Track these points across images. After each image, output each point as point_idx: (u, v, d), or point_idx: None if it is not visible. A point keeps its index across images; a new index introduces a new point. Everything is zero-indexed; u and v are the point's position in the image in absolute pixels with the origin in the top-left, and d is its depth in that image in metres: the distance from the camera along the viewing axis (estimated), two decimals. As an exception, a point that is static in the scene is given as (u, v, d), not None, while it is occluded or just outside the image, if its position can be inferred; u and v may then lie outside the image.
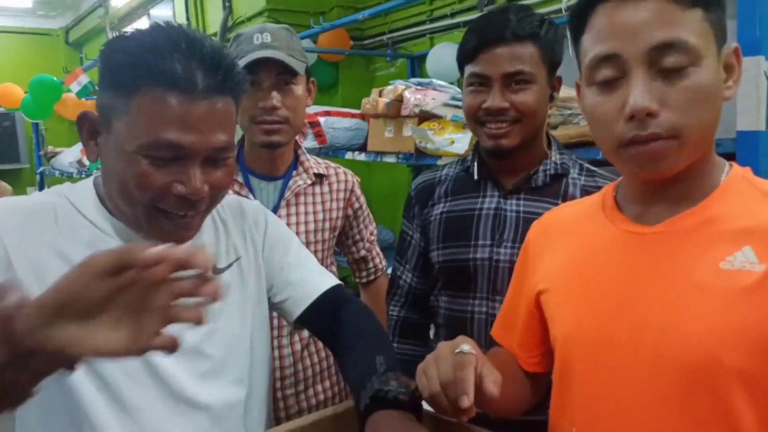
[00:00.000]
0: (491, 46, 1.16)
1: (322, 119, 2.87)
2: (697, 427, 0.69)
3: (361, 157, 2.80)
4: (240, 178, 1.40)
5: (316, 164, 1.49)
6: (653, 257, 0.74)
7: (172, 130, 0.76)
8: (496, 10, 1.24)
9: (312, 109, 2.97)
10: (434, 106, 2.26)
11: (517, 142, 1.18)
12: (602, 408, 0.76)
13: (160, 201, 0.79)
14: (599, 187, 1.18)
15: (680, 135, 0.69)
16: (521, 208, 1.22)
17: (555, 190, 1.22)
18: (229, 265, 0.92)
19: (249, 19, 4.13)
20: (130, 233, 0.84)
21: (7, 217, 0.79)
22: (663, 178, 0.74)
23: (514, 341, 0.95)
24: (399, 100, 2.45)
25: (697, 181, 0.75)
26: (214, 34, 4.46)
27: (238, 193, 1.35)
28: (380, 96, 2.56)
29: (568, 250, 0.86)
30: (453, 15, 3.43)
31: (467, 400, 0.69)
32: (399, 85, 2.50)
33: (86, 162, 4.60)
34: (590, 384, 0.78)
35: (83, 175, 5.03)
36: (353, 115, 2.96)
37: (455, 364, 0.73)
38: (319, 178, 1.46)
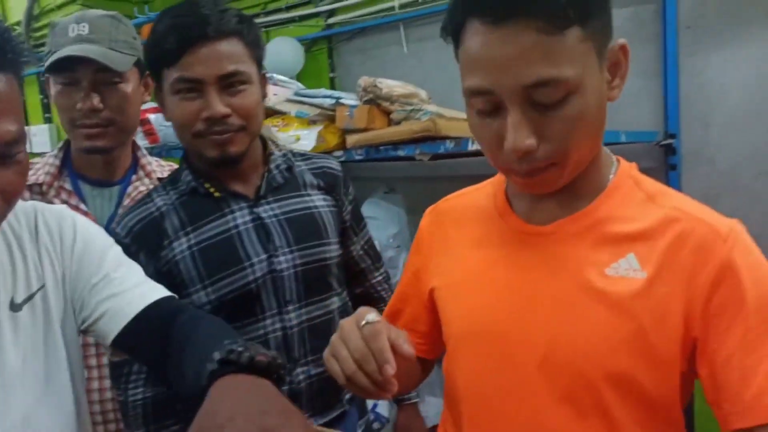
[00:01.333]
0: (196, 46, 1.04)
1: (151, 116, 2.66)
2: (578, 426, 0.72)
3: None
4: (68, 185, 1.26)
5: (159, 167, 1.36)
6: (544, 258, 0.76)
7: None
8: (185, 5, 1.10)
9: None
10: (276, 102, 2.20)
11: (245, 149, 1.12)
12: (489, 405, 0.78)
13: None
14: (321, 168, 1.27)
15: (560, 161, 0.69)
16: (278, 211, 1.17)
17: (294, 183, 1.22)
18: (31, 296, 0.77)
19: (59, 6, 3.70)
20: None
21: None
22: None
23: (402, 326, 0.92)
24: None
25: (585, 181, 0.76)
26: (18, 24, 3.95)
27: (66, 202, 1.19)
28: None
29: (463, 246, 0.86)
30: (288, 9, 3.35)
31: (390, 368, 0.66)
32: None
33: None
34: (479, 381, 0.79)
35: None
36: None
37: (366, 336, 0.69)
38: None
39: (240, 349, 0.64)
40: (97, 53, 1.17)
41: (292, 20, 3.34)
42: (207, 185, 1.15)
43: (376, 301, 1.40)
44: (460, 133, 1.80)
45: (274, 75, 2.41)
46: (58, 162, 1.30)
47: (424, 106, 1.92)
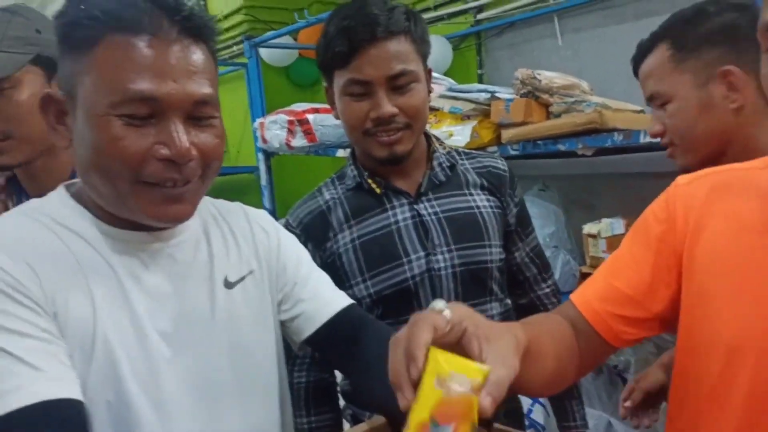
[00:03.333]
0: (366, 48, 1.06)
1: (310, 117, 2.79)
2: None
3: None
4: (11, 204, 1.14)
5: None
6: None
7: (143, 80, 0.66)
8: (354, 5, 1.12)
9: (300, 107, 2.89)
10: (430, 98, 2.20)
11: (410, 147, 1.13)
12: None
13: (143, 171, 0.68)
14: (486, 168, 1.22)
15: None
16: (438, 209, 1.17)
17: (456, 181, 1.20)
18: (242, 279, 0.84)
19: (225, 17, 4.02)
20: (123, 234, 0.74)
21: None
22: None
23: (613, 311, 0.79)
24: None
25: None
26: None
27: None
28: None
29: (735, 230, 0.71)
30: (436, 7, 3.36)
31: (415, 369, 0.53)
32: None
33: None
34: (757, 402, 0.66)
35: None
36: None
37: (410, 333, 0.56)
38: None
39: None
40: None
41: (440, 18, 3.35)
42: (370, 181, 1.17)
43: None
44: (628, 125, 1.68)
45: (427, 72, 2.42)
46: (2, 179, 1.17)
47: (587, 98, 1.82)
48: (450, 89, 2.20)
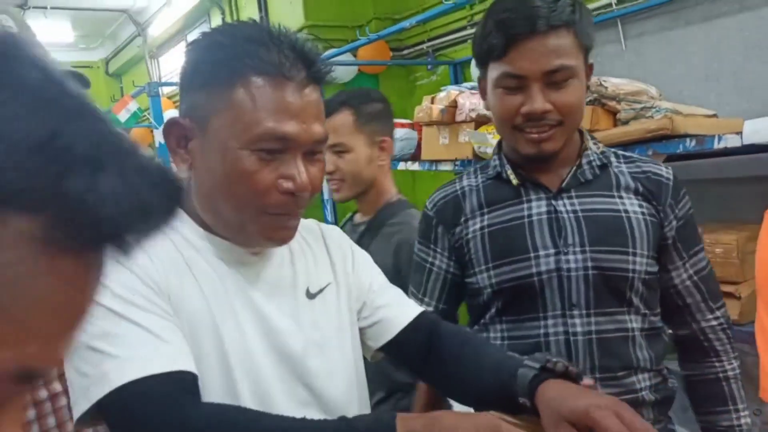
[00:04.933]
0: (524, 41, 1.02)
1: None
2: None
3: (415, 166, 2.75)
4: None
5: None
6: None
7: (279, 120, 0.73)
8: None
9: (361, 121, 2.94)
10: (493, 109, 2.20)
11: (561, 145, 1.08)
12: None
13: (269, 203, 0.75)
14: (645, 173, 1.13)
15: None
16: (577, 207, 1.09)
17: (605, 182, 1.12)
18: (321, 290, 0.89)
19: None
20: (225, 246, 0.81)
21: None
22: None
23: None
24: (453, 105, 2.39)
25: None
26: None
27: None
28: (432, 103, 2.51)
29: None
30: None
31: None
32: (452, 91, 2.44)
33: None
34: None
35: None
36: (402, 125, 2.92)
37: None
38: None
39: (554, 360, 0.77)
40: None
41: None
42: (509, 172, 1.14)
43: (704, 352, 1.15)
44: (700, 130, 1.64)
45: (488, 83, 2.42)
46: None
47: (656, 103, 1.78)
48: (512, 99, 2.19)
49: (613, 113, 1.86)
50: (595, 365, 1.06)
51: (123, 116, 3.83)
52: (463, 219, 1.16)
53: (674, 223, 1.12)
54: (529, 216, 1.11)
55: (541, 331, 1.08)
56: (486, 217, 1.14)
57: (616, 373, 1.07)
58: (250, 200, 0.75)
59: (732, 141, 1.53)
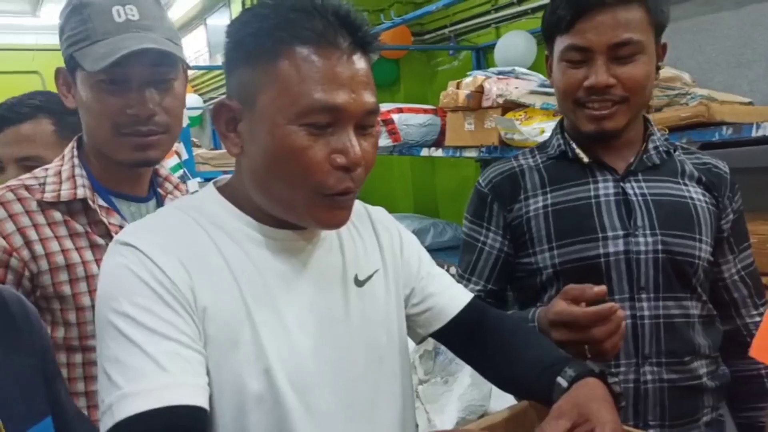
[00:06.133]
0: (592, 13, 1.00)
1: (395, 116, 2.82)
2: None
3: (438, 153, 2.73)
4: (101, 200, 1.03)
5: (174, 179, 1.19)
6: None
7: (327, 91, 0.69)
8: None
9: (385, 107, 2.93)
10: (521, 95, 2.17)
11: (623, 124, 1.06)
12: None
13: (324, 183, 0.72)
14: (706, 165, 1.13)
15: None
16: (646, 191, 1.09)
17: (671, 167, 1.12)
18: (370, 277, 0.86)
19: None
20: (274, 234, 0.78)
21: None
22: None
23: None
24: (479, 91, 2.37)
25: None
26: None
27: (107, 222, 1.01)
28: (458, 88, 2.48)
29: None
30: (520, 2, 3.31)
31: None
32: (478, 76, 2.41)
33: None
34: None
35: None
36: (425, 111, 2.91)
37: None
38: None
39: (591, 367, 0.80)
40: (162, 44, 0.97)
41: (524, 13, 3.30)
42: (577, 150, 1.12)
43: (745, 347, 1.12)
44: (737, 117, 1.60)
45: (516, 68, 2.39)
46: (84, 172, 1.04)
47: (691, 90, 1.74)
48: (542, 84, 2.17)
49: (646, 100, 1.83)
50: (662, 350, 1.06)
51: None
52: (522, 196, 1.14)
53: (731, 216, 1.13)
54: (597, 197, 1.09)
55: None
56: (549, 195, 1.12)
57: (682, 357, 1.07)
58: (302, 179, 0.71)
59: (770, 129, 1.49)
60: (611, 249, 1.06)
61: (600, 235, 1.07)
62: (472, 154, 2.47)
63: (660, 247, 1.05)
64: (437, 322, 0.92)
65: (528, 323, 0.95)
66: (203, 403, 0.67)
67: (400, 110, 2.85)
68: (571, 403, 0.73)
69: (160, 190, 1.13)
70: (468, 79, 2.46)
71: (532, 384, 0.83)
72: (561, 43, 1.06)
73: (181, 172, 3.33)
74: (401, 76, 4.18)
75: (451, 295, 0.93)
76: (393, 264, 0.90)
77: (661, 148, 1.12)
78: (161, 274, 0.69)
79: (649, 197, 1.08)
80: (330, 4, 0.72)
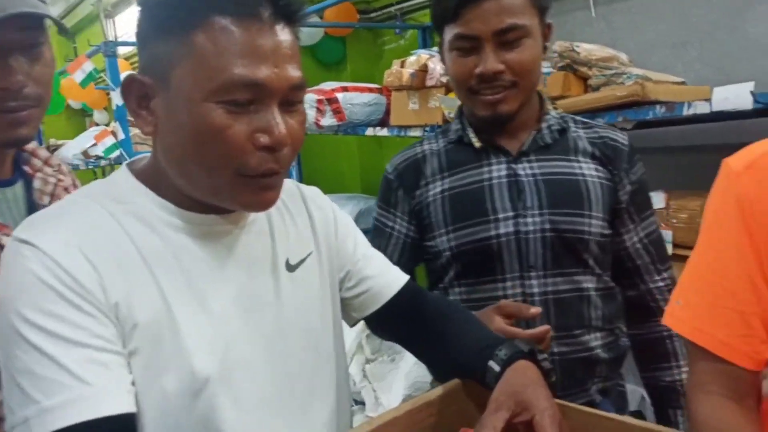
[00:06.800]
0: (476, 1, 1.02)
1: (339, 95, 2.78)
2: None
3: (383, 132, 2.71)
4: None
5: (43, 153, 1.02)
6: None
7: (246, 65, 0.64)
8: None
9: (329, 85, 2.89)
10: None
11: (516, 107, 1.09)
12: None
13: (246, 164, 0.67)
14: (602, 138, 1.16)
15: None
16: (537, 170, 1.11)
17: (563, 146, 1.15)
18: (302, 260, 0.82)
19: None
20: (196, 219, 0.73)
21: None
22: None
23: (740, 332, 0.68)
24: (423, 70, 2.36)
25: None
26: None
27: None
28: (402, 67, 2.47)
29: None
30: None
31: None
32: (422, 55, 2.40)
33: (92, 152, 4.50)
34: None
35: (90, 167, 4.93)
36: (370, 90, 2.88)
37: None
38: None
39: (523, 347, 0.82)
40: (37, 6, 0.87)
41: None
42: (471, 135, 1.15)
43: (650, 312, 1.18)
44: (670, 97, 1.64)
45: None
46: None
47: (627, 70, 1.78)
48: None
49: (584, 79, 1.86)
50: (552, 324, 1.07)
51: (78, 77, 3.65)
52: (423, 182, 1.17)
53: (628, 187, 1.15)
54: (489, 179, 1.12)
55: (500, 293, 1.10)
56: (447, 180, 1.15)
57: (572, 331, 1.10)
58: (222, 161, 0.66)
59: (701, 108, 1.53)
60: (502, 230, 1.09)
61: (492, 217, 1.10)
62: (417, 133, 2.46)
63: (548, 225, 1.09)
64: (373, 305, 0.90)
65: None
66: (128, 407, 0.64)
67: (344, 89, 2.82)
68: (506, 393, 0.74)
69: (27, 168, 0.97)
70: (412, 58, 2.44)
71: (465, 367, 0.84)
72: (449, 32, 1.07)
73: (117, 152, 3.21)
74: (348, 55, 4.13)
75: (387, 278, 0.92)
76: (327, 246, 0.87)
77: (554, 127, 1.15)
78: (65, 274, 0.63)
79: (540, 177, 1.11)
80: None
